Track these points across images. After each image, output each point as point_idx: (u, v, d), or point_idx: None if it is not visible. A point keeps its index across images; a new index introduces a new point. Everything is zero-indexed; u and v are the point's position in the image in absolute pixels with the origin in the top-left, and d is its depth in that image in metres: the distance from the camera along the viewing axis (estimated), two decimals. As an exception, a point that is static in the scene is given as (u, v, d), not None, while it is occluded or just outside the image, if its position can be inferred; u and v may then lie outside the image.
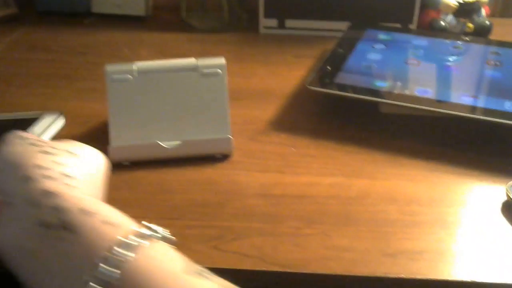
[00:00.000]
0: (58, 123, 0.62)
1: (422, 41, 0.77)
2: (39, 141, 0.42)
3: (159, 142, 0.57)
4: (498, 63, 0.70)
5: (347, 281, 0.45)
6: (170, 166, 0.57)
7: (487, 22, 0.84)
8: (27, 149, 0.40)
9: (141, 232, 0.35)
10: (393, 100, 0.62)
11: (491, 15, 0.92)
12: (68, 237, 0.34)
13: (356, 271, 0.45)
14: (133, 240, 0.34)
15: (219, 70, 0.58)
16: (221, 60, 0.59)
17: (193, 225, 0.50)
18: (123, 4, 0.94)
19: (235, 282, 0.47)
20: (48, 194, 0.36)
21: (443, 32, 0.82)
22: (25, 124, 0.60)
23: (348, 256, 0.46)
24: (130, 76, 0.57)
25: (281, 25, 0.89)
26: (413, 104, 0.61)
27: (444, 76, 0.68)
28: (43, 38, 0.88)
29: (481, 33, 0.83)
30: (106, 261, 0.32)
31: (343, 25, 0.82)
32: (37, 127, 0.60)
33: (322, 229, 0.49)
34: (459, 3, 0.83)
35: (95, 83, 0.74)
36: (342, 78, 0.67)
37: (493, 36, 0.83)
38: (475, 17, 0.84)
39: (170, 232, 0.49)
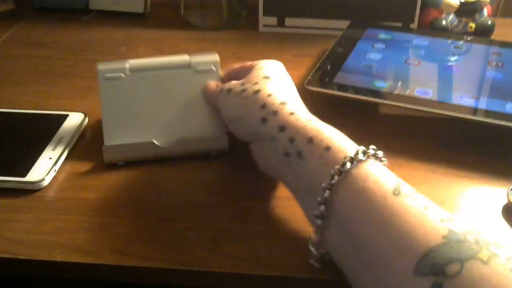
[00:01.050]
0: (85, 122, 0.62)
1: (423, 41, 0.76)
2: (241, 85, 0.51)
3: (154, 141, 0.56)
4: (500, 64, 0.70)
5: (345, 286, 0.44)
6: (165, 166, 0.56)
7: (489, 22, 0.83)
8: (244, 99, 0.49)
9: (359, 153, 0.41)
10: (393, 101, 0.61)
11: (493, 15, 0.91)
12: (302, 163, 0.43)
13: (353, 275, 0.44)
14: (353, 159, 0.40)
15: (213, 67, 0.58)
16: (215, 57, 0.59)
17: (188, 227, 0.49)
18: (122, 0, 0.93)
19: (231, 286, 0.46)
20: (282, 128, 0.45)
21: (444, 32, 0.81)
22: (54, 120, 0.62)
23: (345, 260, 0.45)
24: (122, 75, 0.56)
25: (281, 23, 0.88)
26: (413, 105, 0.60)
27: (445, 77, 0.67)
28: (40, 34, 0.87)
29: (483, 33, 0.83)
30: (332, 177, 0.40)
31: (343, 24, 0.81)
32: (67, 126, 0.61)
33: (319, 232, 0.48)
34: (461, 2, 0.82)
35: (92, 80, 0.73)
36: (342, 78, 0.66)
37: (495, 36, 0.83)
38: (477, 17, 0.83)
39: (164, 234, 0.48)
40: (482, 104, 0.61)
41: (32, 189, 0.53)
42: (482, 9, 0.84)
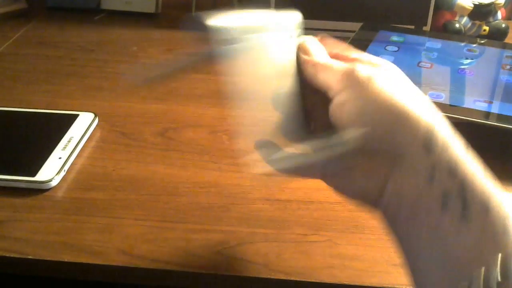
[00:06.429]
0: (95, 122, 0.62)
1: (435, 44, 0.75)
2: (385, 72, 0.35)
3: None
4: (513, 67, 0.69)
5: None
6: (175, 167, 0.56)
7: (503, 25, 0.82)
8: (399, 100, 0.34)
9: None
10: (405, 104, 0.61)
11: (507, 18, 0.90)
12: (460, 227, 0.29)
13: (362, 281, 0.44)
14: None
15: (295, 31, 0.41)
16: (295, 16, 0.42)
17: (197, 229, 0.49)
18: (133, 1, 0.93)
19: (238, 289, 0.46)
20: (452, 172, 0.32)
21: (458, 35, 0.81)
22: (64, 120, 0.61)
23: (354, 265, 0.45)
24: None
25: (292, 25, 0.87)
26: (425, 108, 0.60)
27: (457, 80, 0.66)
28: (52, 34, 0.88)
29: (497, 36, 0.82)
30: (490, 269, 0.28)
31: (355, 26, 0.80)
32: (77, 126, 0.61)
33: (328, 236, 0.48)
34: (475, 5, 0.81)
35: (103, 80, 0.73)
36: (353, 80, 0.65)
37: (509, 40, 0.82)
38: (491, 20, 0.82)
39: (172, 236, 0.48)
40: (495, 108, 0.60)
41: (41, 189, 0.53)
42: (496, 12, 0.83)
